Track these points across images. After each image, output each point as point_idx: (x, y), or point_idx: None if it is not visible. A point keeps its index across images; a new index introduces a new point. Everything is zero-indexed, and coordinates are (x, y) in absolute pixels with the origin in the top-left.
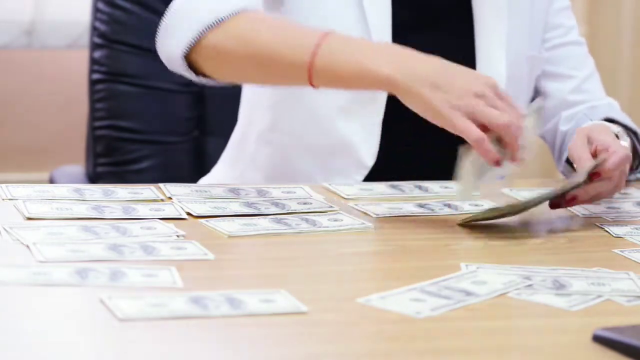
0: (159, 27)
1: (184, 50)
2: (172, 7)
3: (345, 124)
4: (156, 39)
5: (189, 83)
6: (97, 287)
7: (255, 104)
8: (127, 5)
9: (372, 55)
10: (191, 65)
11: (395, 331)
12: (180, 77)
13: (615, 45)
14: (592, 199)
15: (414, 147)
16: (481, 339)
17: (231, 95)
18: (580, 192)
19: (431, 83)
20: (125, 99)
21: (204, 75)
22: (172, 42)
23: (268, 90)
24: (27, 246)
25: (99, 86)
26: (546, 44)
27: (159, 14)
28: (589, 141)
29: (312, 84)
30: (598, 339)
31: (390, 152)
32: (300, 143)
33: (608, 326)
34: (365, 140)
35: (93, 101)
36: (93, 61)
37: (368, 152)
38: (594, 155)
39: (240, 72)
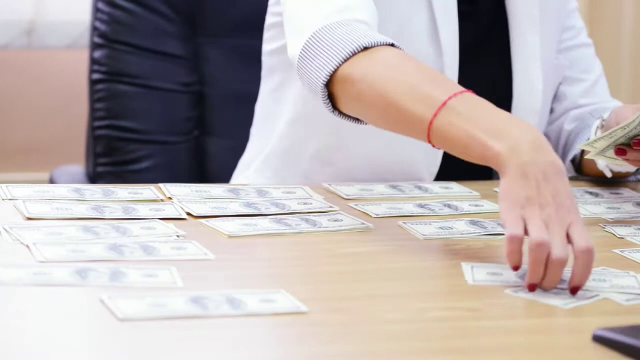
0: (301, 50)
1: (325, 78)
2: (316, 33)
3: (409, 143)
4: (297, 62)
5: (189, 83)
6: (97, 287)
7: (309, 123)
8: (127, 5)
9: (489, 126)
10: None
11: (395, 331)
12: (180, 77)
13: (615, 46)
14: None
15: (472, 169)
16: (481, 339)
17: (231, 96)
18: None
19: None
20: (125, 99)
21: (340, 112)
22: (316, 65)
23: (326, 113)
24: (27, 246)
25: (99, 86)
26: (559, 45)
27: (159, 14)
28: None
29: (430, 143)
30: (598, 339)
31: (449, 170)
32: (364, 162)
33: (608, 326)
34: (426, 159)
35: (93, 101)
36: (93, 61)
37: (427, 170)
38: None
39: (368, 114)
